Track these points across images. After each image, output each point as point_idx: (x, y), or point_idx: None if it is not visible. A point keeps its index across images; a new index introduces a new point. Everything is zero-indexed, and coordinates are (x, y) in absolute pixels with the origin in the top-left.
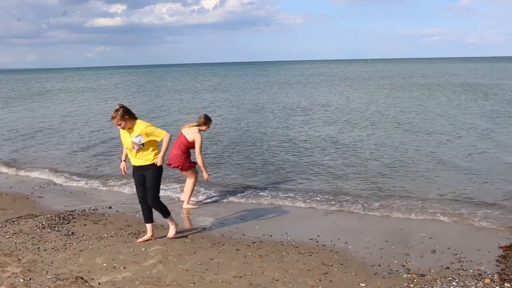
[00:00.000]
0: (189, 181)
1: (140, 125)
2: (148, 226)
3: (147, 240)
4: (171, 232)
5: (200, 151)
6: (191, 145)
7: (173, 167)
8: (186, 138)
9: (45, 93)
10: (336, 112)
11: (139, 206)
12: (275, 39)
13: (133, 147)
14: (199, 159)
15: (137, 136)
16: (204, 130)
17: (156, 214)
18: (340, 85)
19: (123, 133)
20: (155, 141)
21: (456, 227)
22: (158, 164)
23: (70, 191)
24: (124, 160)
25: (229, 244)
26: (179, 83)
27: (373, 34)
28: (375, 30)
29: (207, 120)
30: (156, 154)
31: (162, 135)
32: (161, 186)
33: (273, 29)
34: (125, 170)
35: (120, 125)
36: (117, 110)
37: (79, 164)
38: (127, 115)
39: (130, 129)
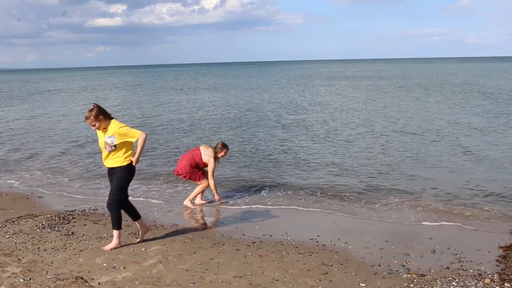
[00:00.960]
0: (200, 185)
1: (114, 126)
2: (138, 222)
3: (142, 239)
4: (110, 245)
5: (213, 175)
6: (201, 164)
7: (181, 178)
8: (200, 156)
9: (44, 93)
10: (334, 112)
11: (139, 206)
12: (275, 39)
13: (106, 148)
14: (211, 183)
15: (110, 137)
16: (220, 157)
17: (156, 213)
18: (339, 85)
19: (99, 133)
20: (129, 143)
21: (456, 227)
22: (134, 163)
23: (70, 191)
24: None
25: (229, 244)
26: (179, 83)
27: (373, 34)
28: (375, 30)
29: (223, 146)
30: (127, 157)
31: (137, 135)
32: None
33: (273, 29)
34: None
35: (94, 125)
36: (91, 110)
37: (79, 164)
38: (102, 115)
39: (105, 129)
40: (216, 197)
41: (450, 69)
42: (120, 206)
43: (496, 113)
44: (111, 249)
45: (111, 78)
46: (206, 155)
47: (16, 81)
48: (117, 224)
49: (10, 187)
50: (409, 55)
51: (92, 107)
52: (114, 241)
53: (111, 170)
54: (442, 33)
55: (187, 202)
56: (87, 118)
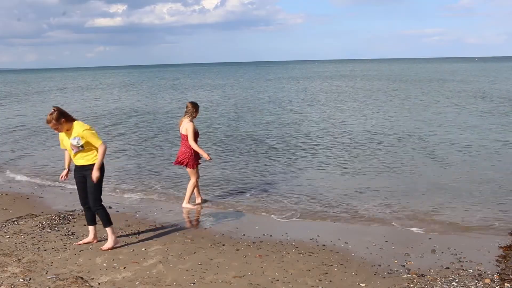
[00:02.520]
0: (190, 182)
1: (78, 128)
2: (90, 228)
3: (88, 243)
4: (108, 244)
5: (192, 138)
6: (192, 138)
7: (182, 165)
8: (183, 134)
9: (43, 93)
10: (331, 111)
11: (139, 206)
12: (275, 39)
13: (72, 149)
14: (193, 145)
15: (74, 138)
16: (195, 117)
17: (156, 213)
18: (337, 85)
19: (62, 135)
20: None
21: (456, 227)
22: (94, 179)
23: (70, 191)
24: (68, 169)
25: (229, 244)
26: (178, 82)
27: (373, 34)
28: (375, 30)
29: (193, 106)
30: (96, 155)
31: (97, 145)
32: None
33: (273, 29)
34: (65, 178)
35: (56, 129)
36: (51, 114)
37: None
38: (63, 118)
39: (68, 131)
40: (205, 155)
41: (448, 69)
42: (101, 203)
43: (492, 113)
44: (109, 249)
45: (110, 78)
46: (183, 127)
47: (15, 81)
48: (107, 221)
49: (10, 187)
50: (409, 55)
51: (52, 110)
52: (110, 239)
53: (82, 169)
54: (442, 33)
55: (185, 204)
56: (48, 122)
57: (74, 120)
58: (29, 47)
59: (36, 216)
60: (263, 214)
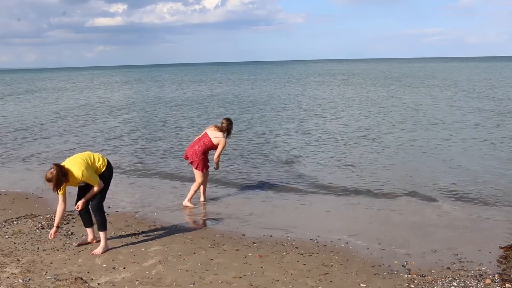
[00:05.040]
0: (195, 183)
1: (75, 178)
2: (89, 230)
3: (87, 243)
4: (100, 249)
5: (221, 153)
6: (214, 147)
7: (189, 163)
8: (211, 140)
9: (42, 92)
10: (331, 110)
11: (139, 206)
12: (275, 39)
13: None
14: (216, 159)
15: (79, 183)
16: (228, 134)
17: (156, 213)
18: (336, 84)
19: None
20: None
21: (457, 227)
22: (79, 208)
23: (69, 191)
24: (58, 226)
25: (229, 244)
26: (178, 82)
27: (374, 34)
28: (376, 29)
29: (230, 123)
30: (99, 170)
31: (94, 184)
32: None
33: (273, 28)
34: (53, 236)
35: (57, 190)
36: (51, 173)
37: None
38: (64, 176)
39: (67, 182)
40: (216, 166)
41: (448, 68)
42: (103, 208)
43: (492, 113)
44: (101, 253)
45: (110, 78)
46: (217, 138)
47: (14, 81)
48: (103, 225)
49: (9, 187)
50: (409, 55)
51: (52, 169)
52: (103, 243)
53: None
54: (442, 33)
55: (186, 202)
56: (49, 180)
57: (67, 174)
58: (29, 46)
59: (36, 216)
60: (263, 214)
